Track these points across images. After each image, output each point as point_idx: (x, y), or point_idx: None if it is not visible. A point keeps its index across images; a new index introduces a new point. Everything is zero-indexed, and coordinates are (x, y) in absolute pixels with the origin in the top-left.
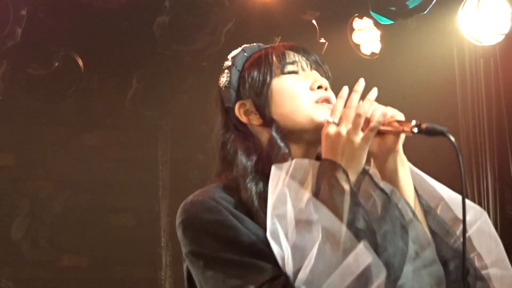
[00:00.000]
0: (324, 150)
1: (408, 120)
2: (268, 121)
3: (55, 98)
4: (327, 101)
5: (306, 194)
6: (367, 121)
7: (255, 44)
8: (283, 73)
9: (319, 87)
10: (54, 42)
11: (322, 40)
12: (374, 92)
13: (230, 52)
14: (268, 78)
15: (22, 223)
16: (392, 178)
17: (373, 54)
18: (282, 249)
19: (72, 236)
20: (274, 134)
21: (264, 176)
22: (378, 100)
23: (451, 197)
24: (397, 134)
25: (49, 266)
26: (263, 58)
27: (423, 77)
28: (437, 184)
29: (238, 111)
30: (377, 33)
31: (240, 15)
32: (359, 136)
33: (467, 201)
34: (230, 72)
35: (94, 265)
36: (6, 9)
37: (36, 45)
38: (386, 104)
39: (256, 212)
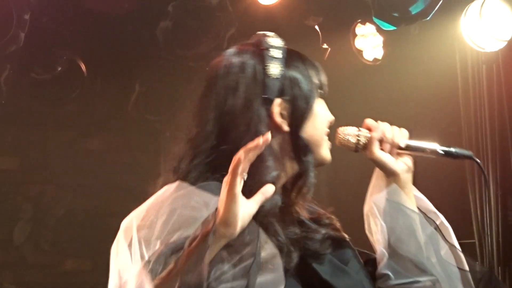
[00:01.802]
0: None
1: (427, 141)
2: (298, 137)
3: (58, 102)
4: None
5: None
6: (395, 144)
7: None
8: (319, 96)
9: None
10: (57, 47)
11: (325, 46)
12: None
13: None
14: (314, 97)
15: (25, 227)
16: (408, 196)
17: (375, 60)
18: None
19: (75, 240)
20: (311, 161)
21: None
22: (380, 105)
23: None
24: (416, 155)
25: (51, 270)
26: (308, 71)
27: (425, 83)
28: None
29: (276, 108)
30: (379, 39)
31: (243, 20)
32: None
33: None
34: (281, 64)
35: (96, 269)
36: (9, 13)
37: (39, 50)
38: (389, 110)
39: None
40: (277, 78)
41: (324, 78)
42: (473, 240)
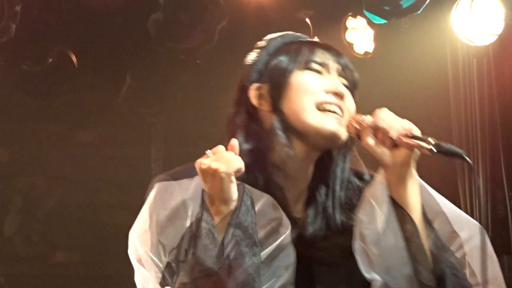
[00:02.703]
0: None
1: (425, 136)
2: (276, 110)
3: (49, 95)
4: (337, 106)
5: None
6: (387, 134)
7: (297, 34)
8: (306, 68)
9: (335, 94)
10: (49, 39)
11: (316, 39)
12: None
13: (225, 50)
14: (290, 69)
15: (15, 219)
16: (400, 191)
17: (366, 53)
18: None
19: (65, 233)
20: (276, 123)
21: (256, 166)
22: (370, 98)
23: (451, 210)
24: (411, 149)
25: (41, 262)
26: (293, 49)
27: (416, 76)
28: (437, 196)
29: (252, 93)
30: (370, 32)
31: (234, 13)
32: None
33: (465, 216)
34: (260, 52)
35: (86, 261)
36: (0, 5)
37: (30, 42)
38: (379, 104)
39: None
40: (254, 65)
41: (322, 56)
42: None
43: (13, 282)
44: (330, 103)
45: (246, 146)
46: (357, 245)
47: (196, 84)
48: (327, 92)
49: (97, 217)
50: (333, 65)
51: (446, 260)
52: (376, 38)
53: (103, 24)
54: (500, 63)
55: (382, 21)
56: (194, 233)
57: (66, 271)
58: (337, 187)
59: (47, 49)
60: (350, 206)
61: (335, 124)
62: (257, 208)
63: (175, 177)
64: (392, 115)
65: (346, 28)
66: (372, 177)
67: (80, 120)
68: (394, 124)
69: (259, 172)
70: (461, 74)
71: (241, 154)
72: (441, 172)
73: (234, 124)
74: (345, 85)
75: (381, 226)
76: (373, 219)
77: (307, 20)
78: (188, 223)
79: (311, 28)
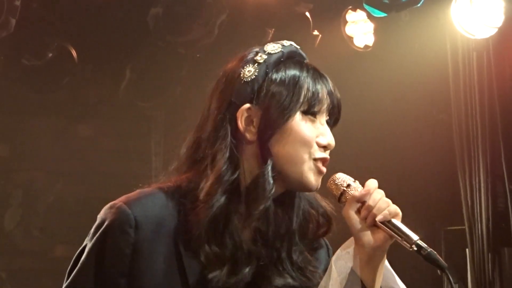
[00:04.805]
0: None
1: (409, 230)
2: (265, 149)
3: (49, 89)
4: (324, 162)
5: None
6: (372, 214)
7: (293, 45)
8: (306, 112)
9: (325, 148)
10: (48, 33)
11: (316, 33)
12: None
13: (224, 44)
14: (293, 111)
15: (15, 213)
16: (366, 271)
17: (366, 46)
18: None
19: (65, 227)
20: (269, 170)
21: (234, 197)
22: (370, 92)
23: None
24: (392, 237)
25: (41, 257)
26: (297, 82)
27: (416, 70)
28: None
29: (241, 114)
30: (370, 25)
31: (234, 6)
32: None
33: None
34: (259, 69)
35: None
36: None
37: (30, 36)
38: (379, 97)
39: (198, 239)
40: (250, 82)
41: (319, 91)
42: (463, 227)
43: (14, 276)
44: (324, 162)
45: (229, 177)
46: None
47: (196, 78)
48: (320, 146)
49: (97, 211)
50: (326, 102)
51: None
52: (376, 32)
53: (102, 18)
54: (500, 56)
55: (382, 15)
56: None
57: (66, 265)
58: (294, 220)
59: (47, 43)
60: (303, 240)
61: (318, 180)
62: None
63: None
64: (381, 193)
65: (346, 22)
66: (319, 202)
67: (80, 114)
68: (382, 205)
69: (224, 198)
70: (461, 67)
71: (217, 172)
72: (441, 166)
73: (216, 140)
74: (326, 120)
75: None
76: None
77: (307, 13)
78: None
79: (311, 22)
